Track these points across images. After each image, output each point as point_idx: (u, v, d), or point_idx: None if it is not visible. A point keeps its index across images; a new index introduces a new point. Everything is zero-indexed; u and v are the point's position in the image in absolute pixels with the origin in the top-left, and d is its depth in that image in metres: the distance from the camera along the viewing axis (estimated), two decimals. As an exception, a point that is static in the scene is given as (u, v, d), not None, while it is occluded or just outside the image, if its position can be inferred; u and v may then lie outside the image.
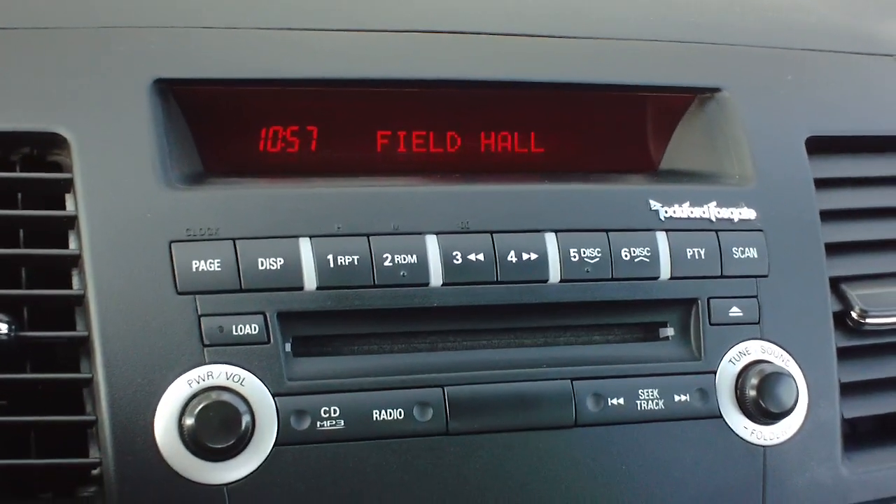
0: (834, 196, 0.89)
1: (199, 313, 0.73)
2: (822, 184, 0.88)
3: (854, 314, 0.86)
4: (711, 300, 0.82)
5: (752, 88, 0.90)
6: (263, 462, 0.72)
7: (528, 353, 0.80)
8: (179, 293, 0.73)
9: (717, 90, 0.89)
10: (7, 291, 0.74)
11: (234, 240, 0.75)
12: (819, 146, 0.90)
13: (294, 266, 0.75)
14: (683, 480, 0.79)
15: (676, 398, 0.79)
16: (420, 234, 0.77)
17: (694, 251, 0.82)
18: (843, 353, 0.86)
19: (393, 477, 0.74)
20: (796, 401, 0.80)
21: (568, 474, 0.77)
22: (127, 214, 0.74)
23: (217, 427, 0.71)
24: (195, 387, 0.72)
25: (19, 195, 0.77)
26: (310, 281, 0.75)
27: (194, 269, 0.74)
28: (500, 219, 0.79)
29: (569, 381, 0.78)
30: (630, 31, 0.92)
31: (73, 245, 0.75)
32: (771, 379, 0.80)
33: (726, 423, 0.81)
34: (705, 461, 0.80)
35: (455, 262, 0.77)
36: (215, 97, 0.82)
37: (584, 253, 0.80)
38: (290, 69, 0.82)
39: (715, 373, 0.81)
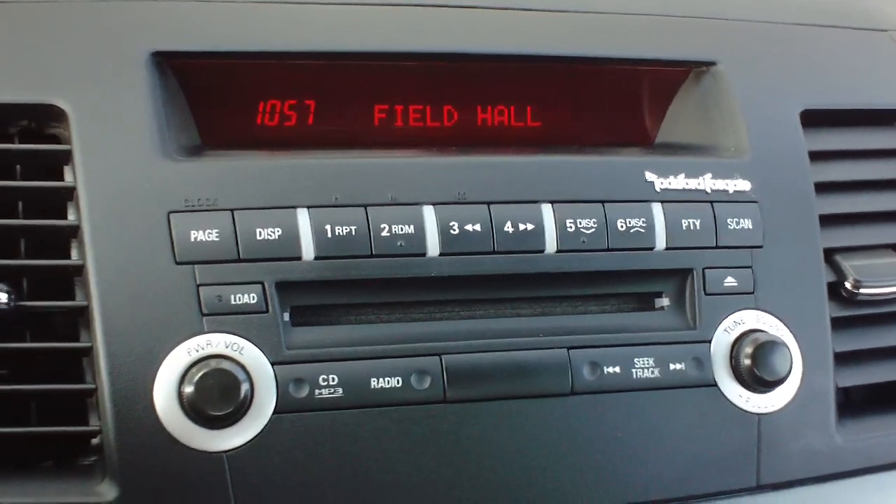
0: (828, 168, 0.90)
1: (198, 283, 0.74)
2: (817, 156, 0.89)
3: (848, 284, 0.87)
4: (706, 270, 0.82)
5: (747, 62, 0.90)
6: (262, 430, 0.73)
7: (524, 323, 0.80)
8: (178, 263, 0.74)
9: (712, 64, 0.90)
10: (7, 262, 0.74)
11: (232, 210, 0.75)
12: (813, 119, 0.90)
13: (292, 236, 0.75)
14: (678, 448, 0.80)
15: (672, 367, 0.80)
16: (417, 204, 0.77)
17: (689, 222, 0.82)
18: (837, 323, 0.86)
19: (390, 444, 0.75)
20: (790, 369, 0.81)
21: (564, 442, 0.78)
22: (125, 185, 0.74)
23: (216, 395, 0.71)
24: (194, 355, 0.72)
25: (18, 167, 0.77)
26: (308, 251, 0.75)
27: (193, 240, 0.74)
28: (497, 190, 0.79)
29: (565, 349, 0.78)
30: (626, 5, 0.92)
31: (71, 216, 0.75)
32: (765, 348, 0.80)
33: (721, 391, 0.81)
34: (700, 429, 0.80)
35: (452, 232, 0.77)
36: (213, 70, 0.82)
37: (581, 224, 0.80)
38: (288, 42, 0.82)
39: (710, 342, 0.82)
